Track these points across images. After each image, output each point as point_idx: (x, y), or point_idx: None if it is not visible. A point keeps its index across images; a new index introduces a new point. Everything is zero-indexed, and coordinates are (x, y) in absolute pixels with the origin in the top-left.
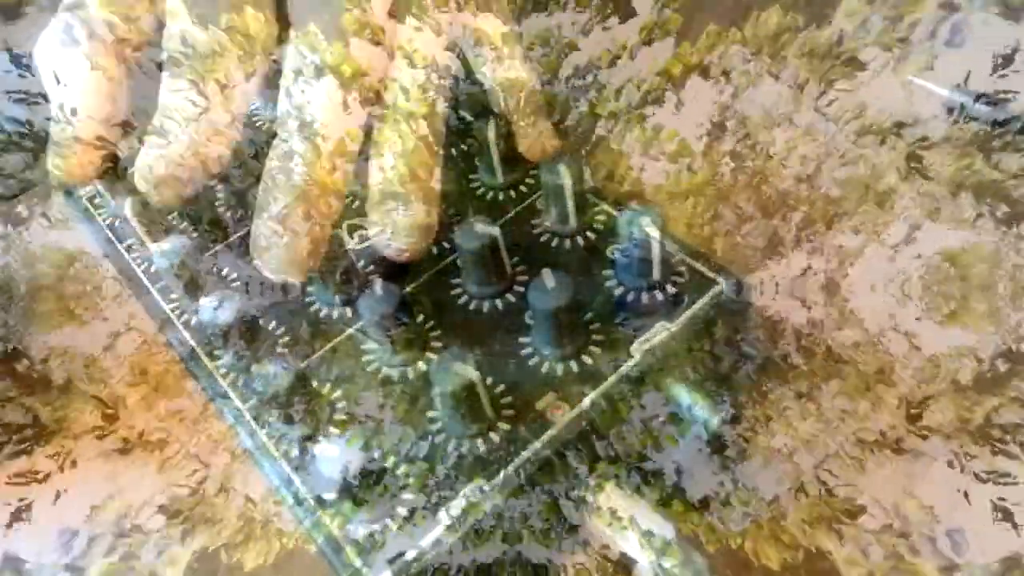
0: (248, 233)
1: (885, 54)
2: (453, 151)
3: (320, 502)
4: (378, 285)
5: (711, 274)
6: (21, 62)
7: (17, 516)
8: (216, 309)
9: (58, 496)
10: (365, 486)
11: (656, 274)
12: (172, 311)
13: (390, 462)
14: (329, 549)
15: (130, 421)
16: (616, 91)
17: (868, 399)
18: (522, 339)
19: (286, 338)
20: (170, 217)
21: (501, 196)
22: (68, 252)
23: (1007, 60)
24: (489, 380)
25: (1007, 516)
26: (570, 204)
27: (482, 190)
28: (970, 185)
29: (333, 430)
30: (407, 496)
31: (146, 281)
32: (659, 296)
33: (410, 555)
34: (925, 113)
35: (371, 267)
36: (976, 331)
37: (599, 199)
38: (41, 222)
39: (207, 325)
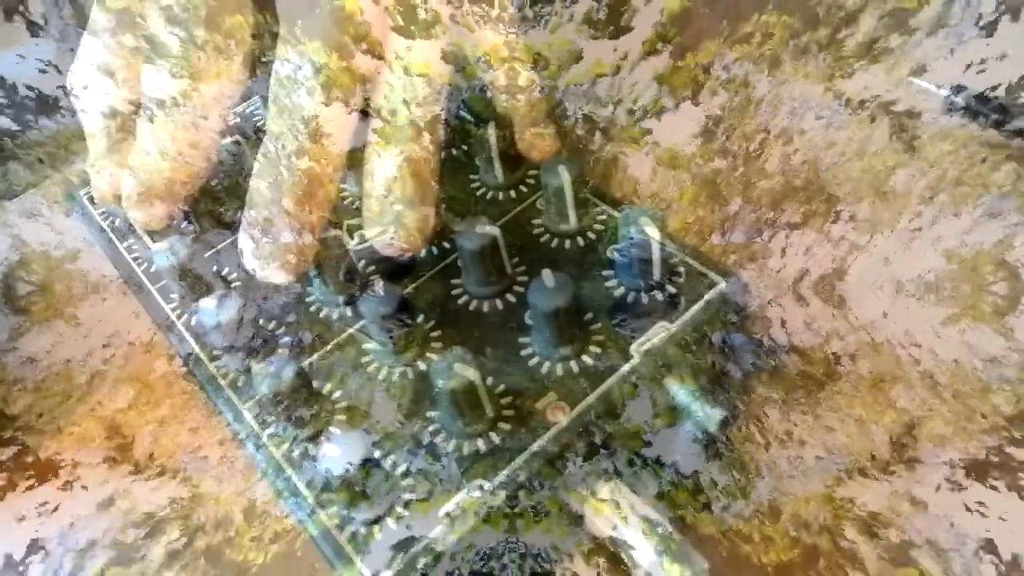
0: None
1: (884, 53)
2: (453, 151)
3: (320, 501)
4: (379, 285)
5: (711, 274)
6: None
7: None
8: (216, 309)
9: (60, 498)
10: (365, 485)
11: (656, 274)
12: (172, 311)
13: (390, 461)
14: (329, 548)
15: (130, 421)
16: (616, 101)
17: (867, 400)
18: (522, 339)
19: (286, 338)
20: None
21: (501, 196)
22: (68, 252)
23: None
24: (489, 380)
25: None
26: (570, 204)
27: (482, 190)
28: (971, 185)
29: (333, 430)
30: (407, 495)
31: (146, 281)
32: (659, 296)
33: (410, 554)
34: (925, 113)
35: (372, 267)
36: (979, 332)
37: (599, 199)
38: (41, 222)
39: (207, 325)
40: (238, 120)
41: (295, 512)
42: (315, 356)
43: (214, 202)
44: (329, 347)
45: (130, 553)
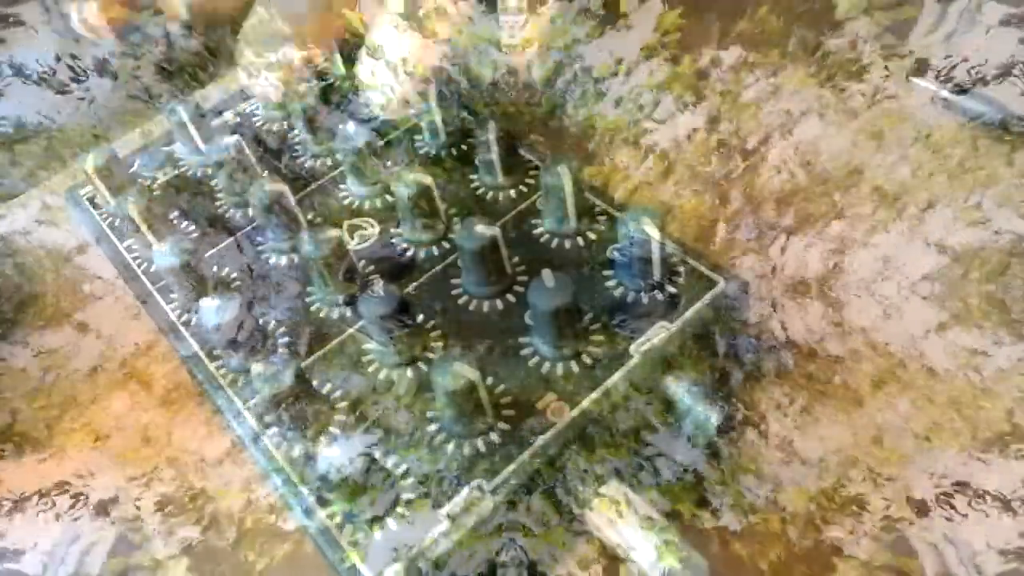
0: (248, 233)
1: (884, 53)
2: (453, 151)
3: (320, 501)
4: (379, 285)
5: (711, 274)
6: None
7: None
8: (216, 309)
9: (61, 498)
10: (366, 485)
11: (656, 274)
12: (172, 311)
13: (390, 462)
14: (329, 548)
15: (129, 421)
16: (616, 101)
17: (867, 400)
18: (522, 339)
19: (286, 338)
20: (171, 217)
21: (501, 196)
22: (68, 252)
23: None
24: (489, 380)
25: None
26: (570, 204)
27: (482, 190)
28: (972, 185)
29: (333, 430)
30: (407, 495)
31: (146, 281)
32: (659, 296)
33: (409, 553)
34: (924, 112)
35: (372, 267)
36: (979, 333)
37: (599, 199)
38: (41, 222)
39: (207, 325)
40: (238, 120)
41: (296, 512)
42: (315, 356)
43: (214, 202)
44: (329, 347)
45: (132, 553)
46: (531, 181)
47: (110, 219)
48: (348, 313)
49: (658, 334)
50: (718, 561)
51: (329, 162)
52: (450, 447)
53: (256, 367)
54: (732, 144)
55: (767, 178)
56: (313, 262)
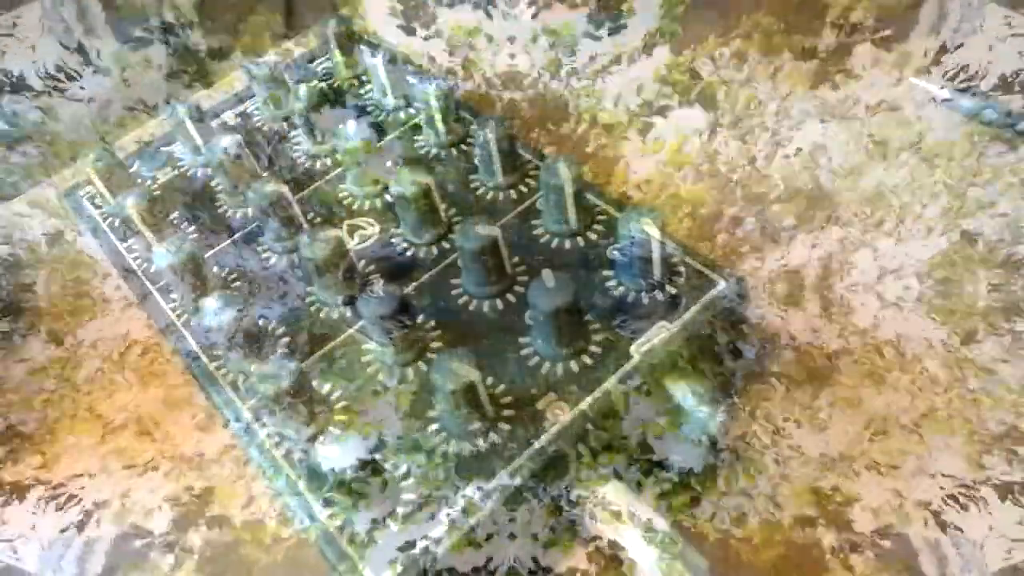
0: (248, 233)
1: (887, 50)
2: (453, 151)
3: (321, 501)
4: (378, 285)
5: (711, 274)
6: None
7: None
8: (217, 310)
9: (62, 498)
10: (365, 485)
11: (656, 274)
12: (172, 311)
13: (390, 462)
14: (329, 548)
15: (130, 421)
16: (616, 95)
17: (868, 400)
18: (522, 339)
19: (286, 338)
20: (171, 217)
21: (501, 196)
22: (68, 252)
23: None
24: (489, 380)
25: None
26: (570, 204)
27: (482, 190)
28: (972, 185)
29: (333, 430)
30: (407, 495)
31: (146, 281)
32: (659, 296)
33: (410, 553)
34: (924, 112)
35: (372, 267)
36: (977, 334)
37: (599, 199)
38: (42, 222)
39: (208, 325)
40: (238, 120)
41: (296, 513)
42: (315, 356)
43: (214, 202)
44: (329, 347)
45: (133, 552)
46: (531, 181)
47: (110, 219)
48: (348, 313)
49: (658, 334)
50: (718, 561)
51: (329, 162)
52: (450, 447)
53: (256, 367)
54: (732, 144)
55: (767, 178)
56: (313, 262)
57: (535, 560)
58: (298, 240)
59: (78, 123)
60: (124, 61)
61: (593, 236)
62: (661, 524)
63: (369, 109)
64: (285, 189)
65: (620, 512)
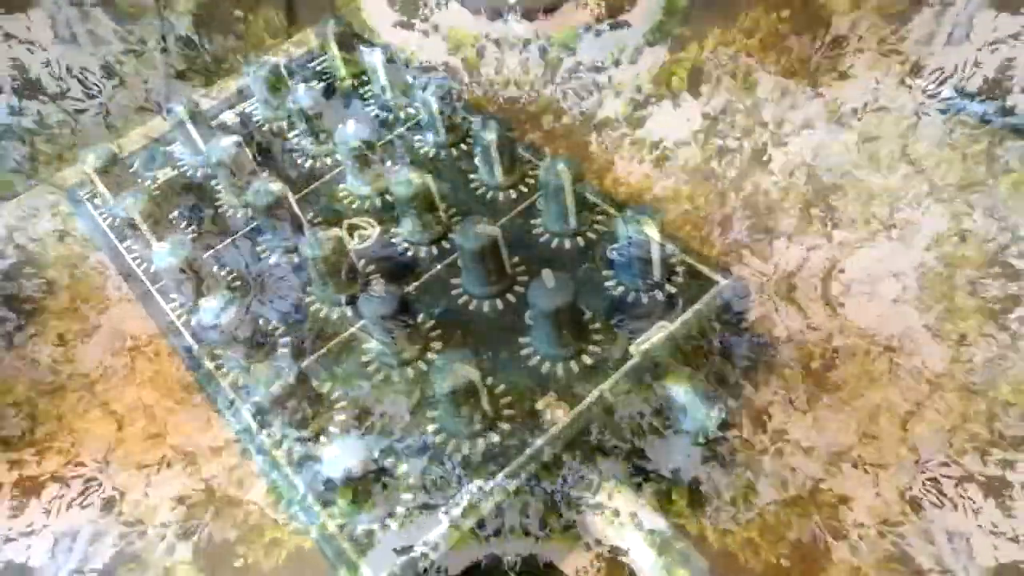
0: (248, 233)
1: (882, 52)
2: (453, 151)
3: (321, 501)
4: (379, 285)
5: (710, 273)
6: None
7: (20, 514)
8: (216, 309)
9: (64, 498)
10: (366, 486)
11: (655, 274)
12: (172, 311)
13: (390, 462)
14: (330, 548)
15: (130, 421)
16: (615, 94)
17: (864, 400)
18: (522, 339)
19: (286, 338)
20: (171, 217)
21: (501, 196)
22: (69, 252)
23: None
24: (489, 380)
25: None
26: (570, 204)
27: (482, 190)
28: (970, 185)
29: (333, 430)
30: (407, 496)
31: (146, 281)
32: (658, 296)
33: (410, 554)
34: (920, 114)
35: (372, 267)
36: (972, 333)
37: (599, 199)
38: (42, 222)
39: (207, 325)
40: (238, 120)
41: (296, 513)
42: (315, 356)
43: (214, 202)
44: (329, 347)
45: (133, 552)
46: (531, 181)
47: (110, 219)
48: (348, 313)
49: (658, 334)
50: (718, 561)
51: (329, 162)
52: (450, 447)
53: (256, 367)
54: (731, 143)
55: (765, 179)
56: (313, 262)
57: (535, 560)
58: (298, 240)
59: (78, 123)
60: (124, 61)
61: (593, 236)
62: (661, 524)
63: (369, 109)
64: (285, 189)
65: (620, 512)
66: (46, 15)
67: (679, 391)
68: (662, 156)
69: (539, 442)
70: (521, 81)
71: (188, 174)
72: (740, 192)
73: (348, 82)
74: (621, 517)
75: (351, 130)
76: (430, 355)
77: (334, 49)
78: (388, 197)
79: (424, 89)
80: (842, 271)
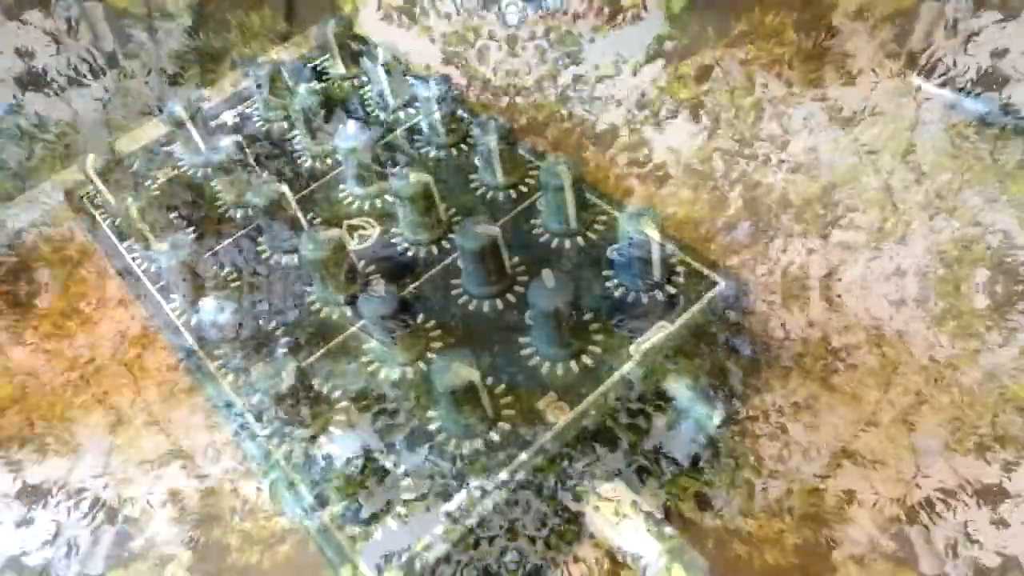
0: (248, 233)
1: (884, 53)
2: (453, 151)
3: (321, 501)
4: (379, 285)
5: (710, 274)
6: None
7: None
8: (216, 309)
9: (62, 498)
10: (365, 484)
11: (655, 274)
12: (172, 311)
13: (390, 461)
14: (329, 547)
15: (129, 420)
16: (617, 103)
17: (865, 400)
18: (522, 339)
19: (286, 338)
20: (171, 217)
21: (501, 196)
22: (68, 252)
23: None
24: (489, 380)
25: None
26: (570, 204)
27: (482, 190)
28: (968, 185)
29: (333, 430)
30: (407, 495)
31: (146, 281)
32: (658, 296)
33: (410, 553)
34: (922, 112)
35: (372, 267)
36: (972, 332)
37: (599, 199)
38: (42, 222)
39: (208, 325)
40: (238, 120)
41: (295, 511)
42: (315, 356)
43: (214, 202)
44: (329, 347)
45: (131, 551)
46: (531, 181)
47: (110, 219)
48: (348, 313)
49: (658, 334)
50: (718, 561)
51: (329, 162)
52: (450, 447)
53: (256, 367)
54: (732, 146)
55: (767, 179)
56: (313, 262)
57: (535, 560)
58: (298, 240)
59: (78, 123)
60: (124, 61)
61: (593, 236)
62: (661, 523)
63: (369, 109)
64: (285, 189)
65: (620, 511)
66: (43, 15)
67: (679, 391)
68: (663, 157)
69: (539, 442)
70: (521, 83)
71: (188, 174)
72: (741, 193)
73: (348, 82)
74: (621, 516)
75: (351, 131)
76: (430, 355)
77: (334, 49)
78: (388, 197)
79: (424, 89)
80: (843, 271)
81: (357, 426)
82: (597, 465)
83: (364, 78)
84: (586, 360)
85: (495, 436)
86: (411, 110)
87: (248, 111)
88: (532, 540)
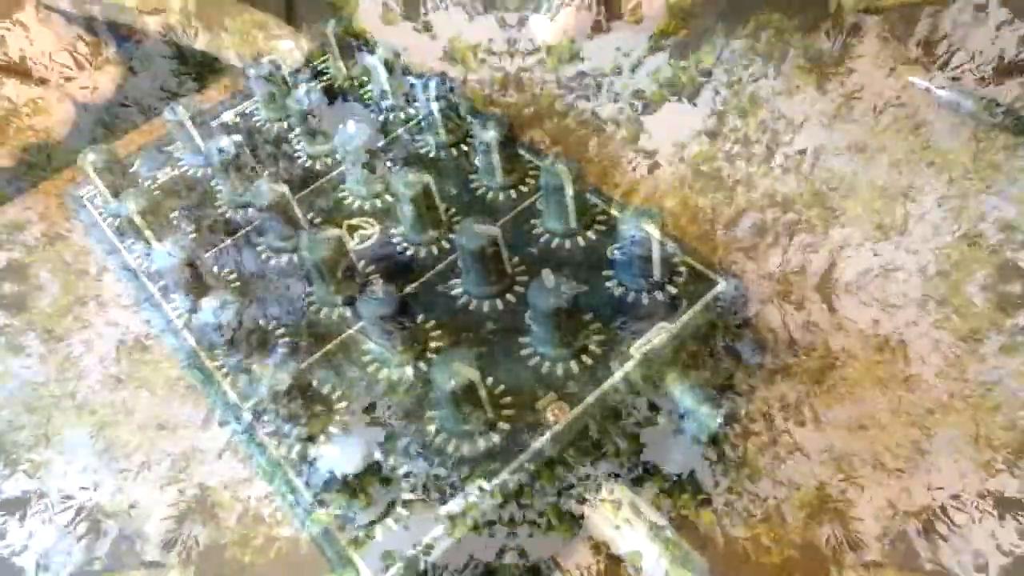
0: (248, 233)
1: (888, 50)
2: (454, 151)
3: (320, 501)
4: (378, 285)
5: (711, 274)
6: None
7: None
8: (216, 309)
9: (61, 498)
10: (365, 485)
11: (656, 274)
12: (172, 311)
13: (390, 462)
14: (328, 547)
15: (128, 422)
16: (619, 95)
17: (867, 401)
18: (522, 339)
19: (286, 338)
20: (171, 217)
21: (501, 196)
22: (68, 252)
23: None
24: (489, 380)
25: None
26: (570, 204)
27: (482, 190)
28: (969, 183)
29: (333, 430)
30: (407, 495)
31: (146, 281)
32: (659, 296)
33: (409, 553)
34: (923, 112)
35: (372, 267)
36: (974, 334)
37: (599, 199)
38: (42, 222)
39: (207, 325)
40: (238, 120)
41: (295, 512)
42: (315, 356)
43: (213, 202)
44: (329, 347)
45: (130, 553)
46: (531, 181)
47: (110, 219)
48: (348, 313)
49: (658, 334)
50: (718, 561)
51: (329, 162)
52: (450, 447)
53: (256, 367)
54: (733, 144)
55: (768, 179)
56: (313, 262)
57: (535, 560)
58: (298, 240)
59: (79, 123)
60: (124, 61)
61: (593, 236)
62: (661, 524)
63: (369, 109)
64: (285, 189)
65: (620, 512)
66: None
67: (680, 391)
68: (664, 157)
69: (539, 442)
70: (521, 83)
71: (188, 174)
72: (743, 192)
73: (348, 82)
74: (621, 517)
75: (351, 130)
76: (430, 355)
77: (334, 49)
78: (388, 197)
79: (424, 89)
80: (844, 271)
81: (357, 427)
82: (597, 466)
83: (364, 78)
84: (586, 360)
85: (495, 436)
86: (411, 109)
87: (248, 111)
88: (532, 540)
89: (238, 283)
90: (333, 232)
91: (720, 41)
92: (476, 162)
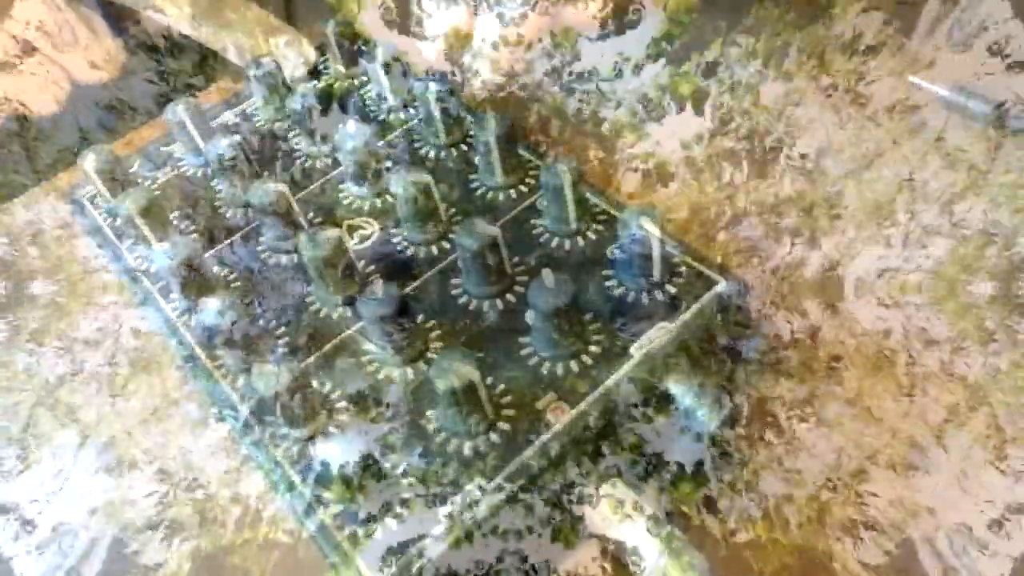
0: (248, 233)
1: (889, 51)
2: (453, 151)
3: (319, 501)
4: (378, 285)
5: (711, 274)
6: None
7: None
8: (216, 309)
9: (60, 498)
10: (365, 484)
11: (656, 274)
12: (172, 311)
13: (389, 461)
14: (328, 546)
15: (128, 422)
16: (621, 95)
17: (868, 401)
18: (522, 339)
19: (286, 339)
20: (171, 217)
21: (501, 196)
22: (67, 252)
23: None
24: (489, 380)
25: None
26: (570, 204)
27: (482, 190)
28: (972, 184)
29: (332, 429)
30: (406, 495)
31: (146, 281)
32: (659, 296)
33: (409, 552)
34: (924, 112)
35: (372, 267)
36: (980, 334)
37: (599, 199)
38: (42, 222)
39: (207, 325)
40: (238, 120)
41: (294, 511)
42: (315, 356)
43: (213, 202)
44: (329, 347)
45: (129, 553)
46: (531, 181)
47: (110, 219)
48: (348, 313)
49: (658, 334)
50: (719, 561)
51: (329, 162)
52: (450, 447)
53: (256, 367)
54: (734, 144)
55: (771, 179)
56: (312, 262)
57: (535, 560)
58: (298, 240)
59: (78, 123)
60: (124, 61)
61: (593, 236)
62: (662, 523)
63: (369, 109)
64: (285, 189)
65: (621, 511)
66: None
67: (680, 391)
68: (665, 157)
69: (539, 442)
70: (522, 83)
71: (188, 174)
72: (745, 191)
73: (348, 82)
74: (622, 516)
75: (351, 131)
76: (430, 355)
77: (334, 49)
78: (388, 197)
79: (424, 89)
80: (846, 271)
81: (356, 426)
82: (597, 465)
83: (364, 78)
84: (586, 360)
85: (494, 436)
86: (411, 110)
87: (248, 111)
88: (532, 540)
89: (238, 283)
90: (333, 232)
91: (721, 41)
92: (476, 162)
